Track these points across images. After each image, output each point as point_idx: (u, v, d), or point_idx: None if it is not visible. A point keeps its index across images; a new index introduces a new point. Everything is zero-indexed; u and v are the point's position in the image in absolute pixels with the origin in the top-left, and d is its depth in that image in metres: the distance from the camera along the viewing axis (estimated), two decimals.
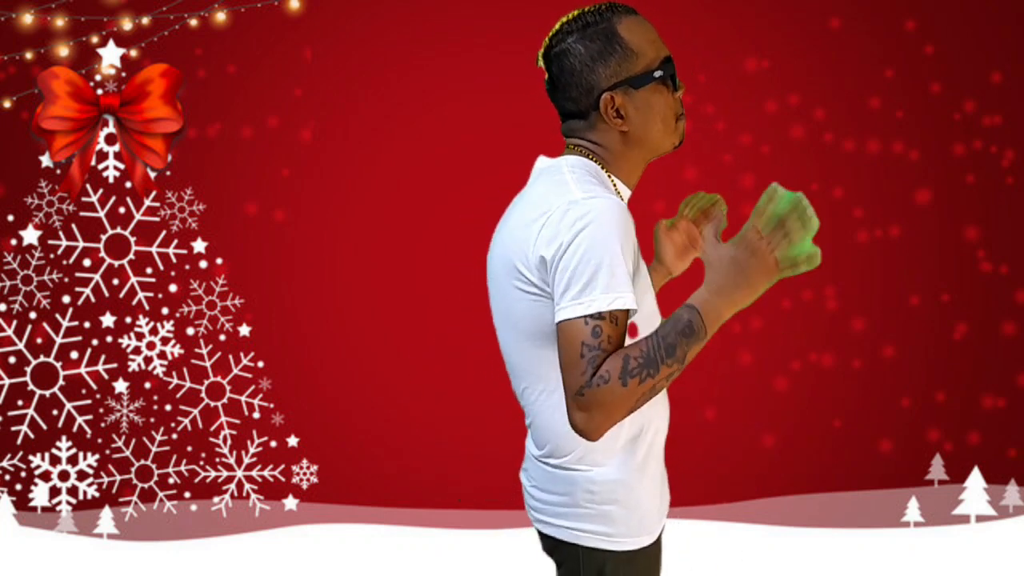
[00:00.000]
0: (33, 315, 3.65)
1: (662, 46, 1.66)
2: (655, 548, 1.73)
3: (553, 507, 1.70)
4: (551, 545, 1.73)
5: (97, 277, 3.67)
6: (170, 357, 3.70)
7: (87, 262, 3.66)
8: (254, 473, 3.74)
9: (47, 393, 3.67)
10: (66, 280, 3.66)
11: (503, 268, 1.65)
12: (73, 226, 3.65)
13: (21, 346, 3.65)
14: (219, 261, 3.70)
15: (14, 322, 3.65)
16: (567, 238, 1.52)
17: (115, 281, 3.67)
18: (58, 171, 3.61)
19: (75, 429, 3.68)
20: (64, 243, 3.65)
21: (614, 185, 1.66)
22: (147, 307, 3.69)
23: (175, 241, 3.68)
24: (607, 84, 1.62)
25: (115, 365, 3.69)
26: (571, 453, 1.65)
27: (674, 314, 1.52)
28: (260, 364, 3.73)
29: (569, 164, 1.64)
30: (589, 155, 1.67)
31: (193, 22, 3.59)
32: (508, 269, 1.63)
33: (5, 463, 3.66)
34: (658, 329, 1.51)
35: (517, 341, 1.66)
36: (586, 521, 1.66)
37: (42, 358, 3.67)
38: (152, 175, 3.62)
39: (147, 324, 3.69)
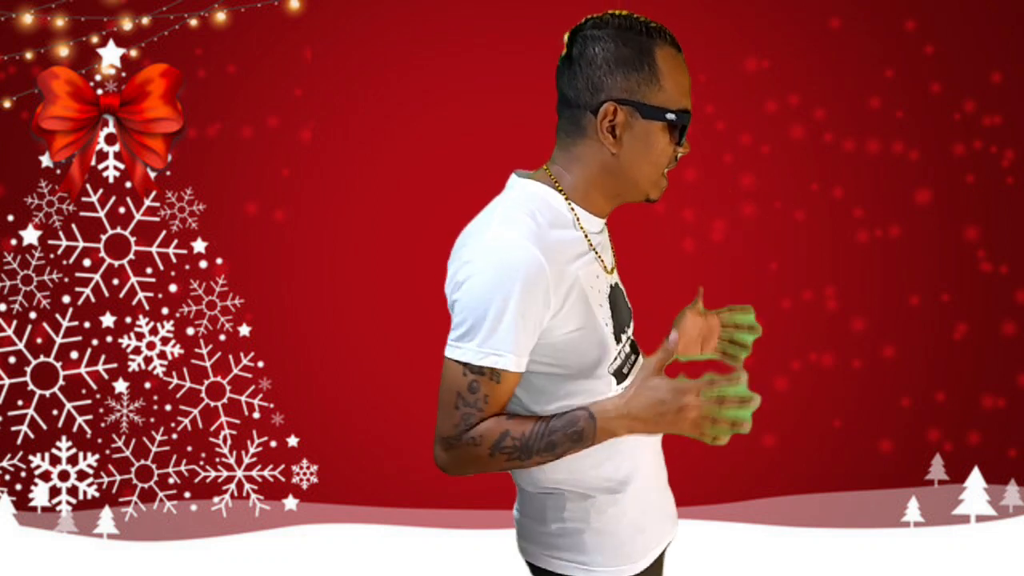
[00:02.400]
0: (33, 315, 3.65)
1: (687, 97, 1.54)
2: None
3: (528, 531, 1.67)
4: (533, 571, 1.71)
5: (97, 277, 3.67)
6: (170, 357, 3.70)
7: (87, 262, 3.66)
8: (254, 473, 3.74)
9: (47, 393, 3.67)
10: (66, 280, 3.66)
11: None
12: (73, 226, 3.65)
13: (21, 346, 3.65)
14: (219, 261, 3.70)
15: (14, 322, 3.65)
16: (463, 276, 1.48)
17: (115, 281, 3.67)
18: (58, 171, 3.61)
19: (75, 429, 3.68)
20: (64, 243, 3.65)
21: (576, 218, 1.55)
22: (147, 307, 3.69)
23: (175, 241, 3.68)
24: (617, 94, 1.49)
25: (115, 365, 3.69)
26: (545, 480, 1.61)
27: (573, 413, 1.48)
28: (260, 364, 3.73)
29: (516, 194, 1.56)
30: (556, 181, 1.56)
31: (193, 22, 3.59)
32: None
33: (5, 463, 3.66)
34: (550, 420, 1.47)
35: None
36: (560, 549, 1.62)
37: (42, 358, 3.67)
38: (152, 175, 3.62)
39: (147, 324, 3.69)
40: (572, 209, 1.55)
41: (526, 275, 1.43)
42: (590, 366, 1.54)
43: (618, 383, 1.60)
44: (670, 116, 1.50)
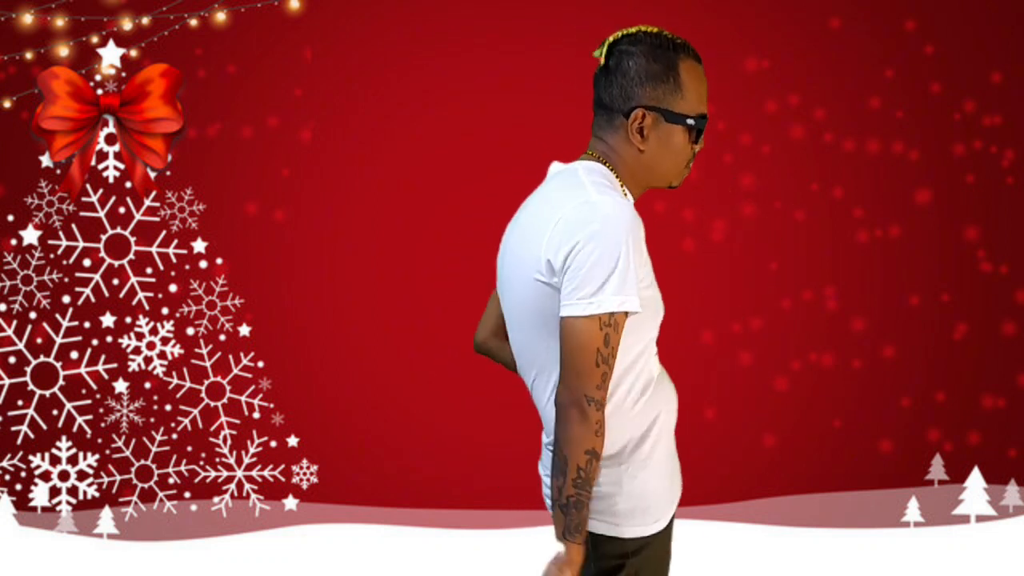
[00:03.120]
0: (33, 315, 3.65)
1: (705, 104, 1.78)
2: (665, 535, 1.76)
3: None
4: None
5: (97, 277, 3.67)
6: (170, 357, 3.70)
7: (87, 262, 3.66)
8: (254, 473, 3.74)
9: (47, 393, 3.67)
10: (66, 280, 3.66)
11: (518, 264, 1.72)
12: (73, 226, 3.65)
13: (21, 346, 3.65)
14: (219, 261, 3.70)
15: (14, 322, 3.65)
16: (583, 236, 1.60)
17: (115, 281, 3.67)
18: (58, 171, 3.61)
19: (75, 429, 3.68)
20: (64, 243, 3.65)
21: (624, 192, 1.74)
22: (147, 307, 3.69)
23: (175, 241, 3.68)
24: (646, 102, 1.72)
25: (115, 365, 3.69)
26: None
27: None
28: (260, 364, 3.72)
29: (585, 168, 1.73)
30: (605, 162, 1.76)
31: (193, 22, 3.59)
32: (523, 265, 1.70)
33: (5, 463, 3.66)
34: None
35: (532, 332, 1.72)
36: (592, 511, 1.69)
37: (42, 358, 3.67)
38: (152, 175, 3.62)
39: (147, 324, 3.69)
40: (623, 186, 1.76)
41: (636, 227, 1.63)
42: (652, 325, 1.72)
43: (654, 351, 1.77)
44: (690, 121, 1.75)
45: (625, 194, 1.74)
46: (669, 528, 1.78)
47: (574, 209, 1.63)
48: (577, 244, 1.60)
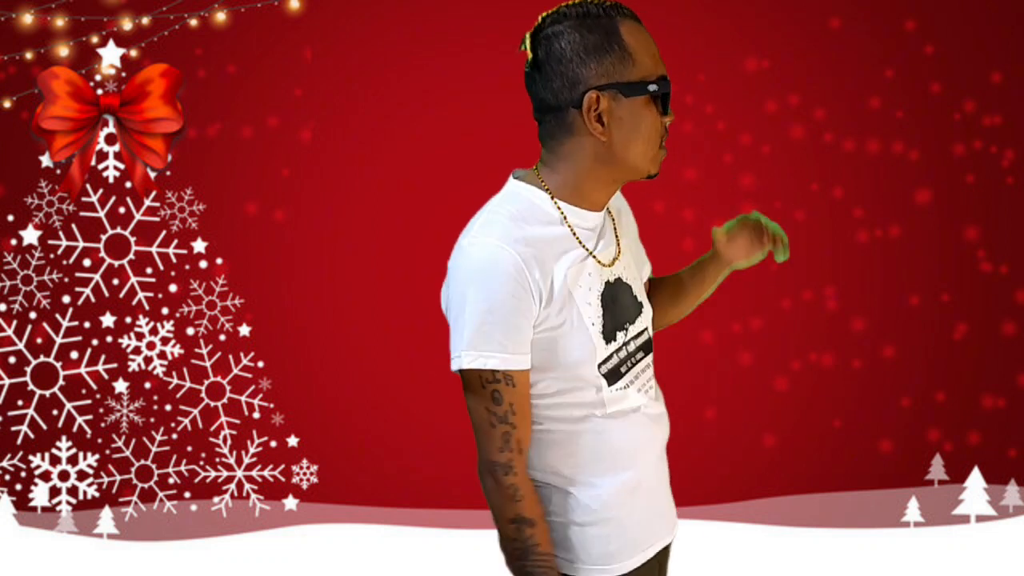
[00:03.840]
0: (33, 315, 3.65)
1: (661, 64, 1.53)
2: None
3: None
4: None
5: (97, 277, 3.67)
6: (170, 357, 3.70)
7: (87, 262, 3.66)
8: (254, 473, 3.74)
9: (47, 393, 3.67)
10: (66, 280, 3.66)
11: None
12: (73, 226, 3.65)
13: (21, 346, 3.65)
14: (219, 261, 3.70)
15: (14, 322, 3.65)
16: (448, 286, 1.53)
17: (115, 281, 3.67)
18: (58, 171, 3.61)
19: (75, 429, 3.68)
20: (64, 243, 3.65)
21: (563, 217, 1.55)
22: (147, 307, 3.69)
23: (175, 241, 3.68)
24: (596, 82, 1.48)
25: (115, 365, 3.69)
26: (530, 469, 1.60)
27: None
28: (260, 364, 3.73)
29: (500, 197, 1.59)
30: (542, 183, 1.57)
31: (193, 22, 3.59)
32: None
33: (5, 463, 3.66)
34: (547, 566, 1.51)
35: None
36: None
37: (42, 358, 3.67)
38: (152, 175, 3.62)
39: (147, 324, 3.69)
40: (558, 207, 1.56)
41: (507, 276, 1.46)
42: (574, 365, 1.54)
43: (610, 384, 1.59)
44: (652, 87, 1.50)
45: (565, 217, 1.55)
46: (639, 574, 1.65)
47: (454, 256, 1.54)
48: (445, 294, 1.54)
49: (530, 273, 1.48)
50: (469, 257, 1.49)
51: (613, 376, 1.59)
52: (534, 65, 1.54)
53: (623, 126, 1.51)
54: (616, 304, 1.61)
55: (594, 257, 1.58)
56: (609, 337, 1.59)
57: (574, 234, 1.57)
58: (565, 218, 1.56)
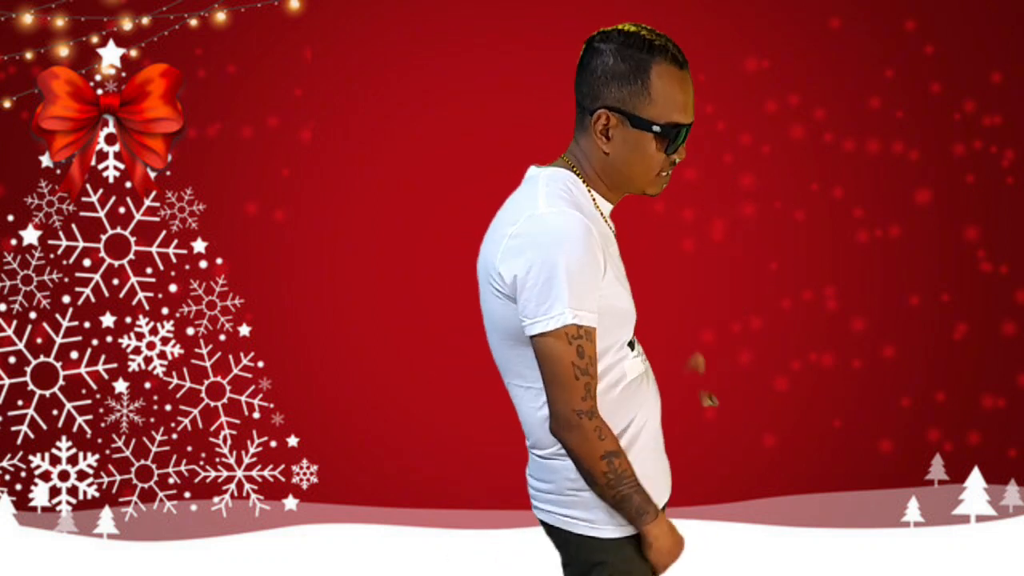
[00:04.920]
0: (33, 315, 3.65)
1: (683, 112, 1.67)
2: None
3: (544, 494, 1.77)
4: (548, 530, 1.81)
5: (97, 277, 3.67)
6: (170, 357, 3.70)
7: (87, 262, 3.66)
8: (254, 473, 3.74)
9: (47, 393, 3.67)
10: (66, 280, 3.66)
11: (483, 272, 1.73)
12: (73, 226, 3.65)
13: (21, 346, 3.65)
14: (219, 261, 3.70)
15: (14, 322, 3.65)
16: (529, 253, 1.60)
17: (115, 281, 3.67)
18: (58, 171, 3.61)
19: (75, 429, 3.68)
20: (64, 243, 3.65)
21: (593, 200, 1.71)
22: (147, 307, 3.69)
23: (175, 241, 3.68)
24: (611, 103, 1.65)
25: (115, 365, 3.69)
26: (553, 445, 1.70)
27: (651, 499, 1.68)
28: (260, 364, 3.73)
29: (548, 176, 1.70)
30: (575, 167, 1.72)
31: (193, 22, 3.59)
32: (486, 273, 1.71)
33: (5, 463, 3.66)
34: (638, 483, 1.66)
35: (497, 340, 1.74)
36: (572, 508, 1.72)
37: (42, 358, 3.67)
38: (152, 175, 3.62)
39: (147, 324, 3.69)
40: (590, 191, 1.72)
41: (587, 239, 1.59)
42: (617, 328, 1.68)
43: (631, 352, 1.73)
44: (655, 128, 1.66)
45: (595, 200, 1.71)
46: None
47: (524, 223, 1.62)
48: (525, 261, 1.60)
49: (596, 238, 1.62)
50: (549, 222, 1.60)
51: (631, 346, 1.74)
52: (579, 66, 1.71)
53: (625, 147, 1.68)
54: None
55: (616, 242, 1.76)
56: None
57: (603, 218, 1.73)
58: (595, 202, 1.72)
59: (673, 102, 1.66)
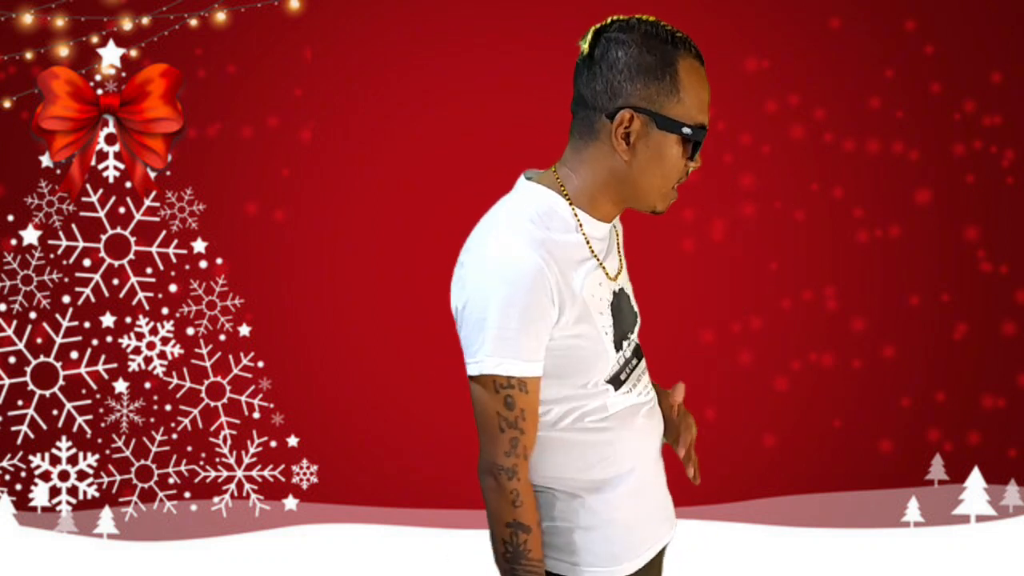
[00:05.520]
0: (33, 315, 3.65)
1: (705, 113, 1.53)
2: None
3: None
4: None
5: (97, 277, 3.67)
6: (170, 357, 3.70)
7: (87, 262, 3.66)
8: (254, 473, 3.74)
9: (47, 393, 3.67)
10: (66, 280, 3.66)
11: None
12: (73, 226, 3.65)
13: (21, 346, 3.65)
14: (219, 261, 3.70)
15: (14, 322, 3.65)
16: (467, 289, 1.49)
17: (115, 281, 3.67)
18: (58, 171, 3.61)
19: (75, 429, 3.68)
20: (64, 243, 3.65)
21: (579, 223, 1.55)
22: (147, 307, 3.69)
23: (175, 241, 3.68)
24: (636, 102, 1.48)
25: (115, 365, 3.69)
26: (533, 473, 1.59)
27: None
28: (260, 364, 3.72)
29: (519, 198, 1.56)
30: (562, 185, 1.55)
31: (193, 22, 3.59)
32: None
33: (5, 463, 3.66)
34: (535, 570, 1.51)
35: None
36: (550, 547, 1.61)
37: (42, 358, 3.67)
38: (152, 175, 3.62)
39: (147, 324, 3.69)
40: (576, 215, 1.55)
41: (531, 281, 1.44)
42: (586, 372, 1.55)
43: (615, 390, 1.60)
44: (686, 131, 1.50)
45: (580, 224, 1.54)
46: (642, 574, 1.66)
47: (472, 254, 1.50)
48: (463, 297, 1.49)
49: (552, 279, 1.47)
50: (492, 259, 1.47)
51: (616, 383, 1.60)
52: (588, 60, 1.51)
53: (647, 153, 1.51)
54: (621, 314, 1.62)
55: (603, 268, 1.59)
56: (617, 346, 1.60)
57: (588, 243, 1.56)
58: (581, 226, 1.56)
59: (700, 101, 1.51)
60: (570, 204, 1.55)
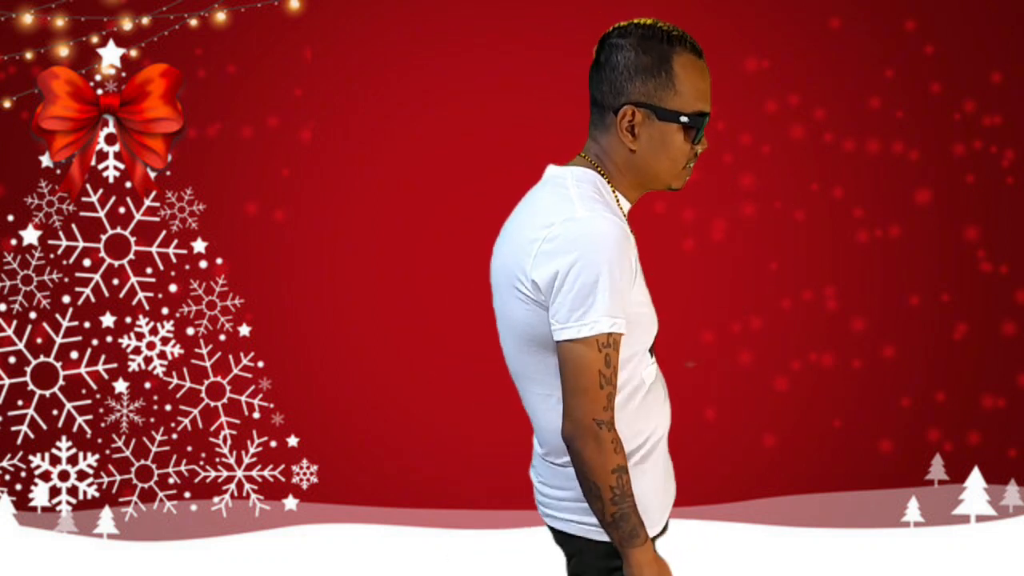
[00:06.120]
0: (33, 315, 3.65)
1: (706, 100, 1.67)
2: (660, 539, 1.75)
3: (560, 502, 1.74)
4: (561, 539, 1.78)
5: (97, 277, 3.67)
6: (170, 357, 3.70)
7: (87, 262, 3.66)
8: (254, 473, 3.74)
9: (47, 393, 3.67)
10: (66, 280, 3.66)
11: (505, 275, 1.68)
12: (73, 226, 3.65)
13: (21, 346, 3.65)
14: (219, 261, 3.70)
15: (14, 322, 3.65)
16: (569, 258, 1.56)
17: (115, 281, 3.67)
18: (58, 171, 3.61)
19: (75, 429, 3.68)
20: (64, 243, 3.65)
21: (616, 200, 1.69)
22: (147, 307, 3.69)
23: (175, 241, 3.68)
24: (636, 98, 1.64)
25: (115, 365, 3.69)
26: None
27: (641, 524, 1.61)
28: (260, 364, 3.72)
29: (575, 176, 1.67)
30: (597, 166, 1.70)
31: (193, 22, 3.59)
32: (509, 276, 1.66)
33: (5, 463, 3.66)
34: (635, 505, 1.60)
35: (517, 346, 1.69)
36: (590, 515, 1.68)
37: (42, 358, 3.67)
38: (152, 175, 3.62)
39: (147, 324, 3.69)
40: (615, 192, 1.70)
41: (626, 245, 1.58)
42: (642, 334, 1.67)
43: (651, 357, 1.73)
44: (683, 119, 1.65)
45: (618, 200, 1.69)
46: (662, 535, 1.76)
47: (560, 226, 1.58)
48: (563, 265, 1.56)
49: (631, 246, 1.60)
50: (591, 228, 1.57)
51: (651, 351, 1.73)
52: (595, 64, 1.69)
53: (652, 142, 1.66)
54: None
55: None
56: None
57: (626, 217, 1.71)
58: (618, 202, 1.70)
59: (697, 91, 1.65)
60: (609, 183, 1.70)
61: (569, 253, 1.56)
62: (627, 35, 1.65)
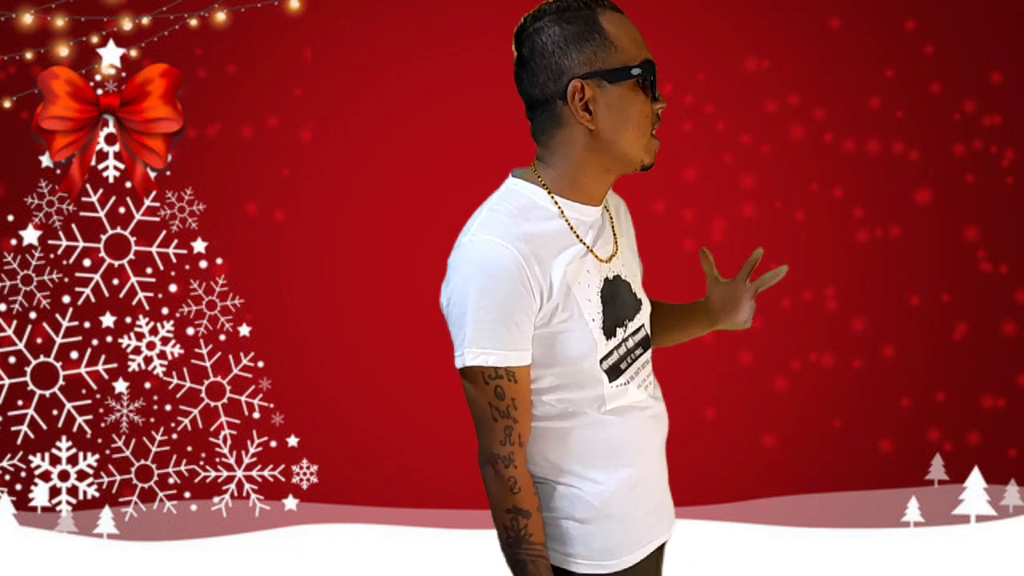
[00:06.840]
0: (33, 315, 3.65)
1: (645, 49, 1.54)
2: None
3: None
4: None
5: (97, 277, 3.67)
6: (170, 357, 3.70)
7: (87, 262, 3.66)
8: (254, 473, 3.74)
9: (47, 393, 3.67)
10: (66, 280, 3.66)
11: None
12: (73, 226, 3.65)
13: (21, 346, 3.65)
14: (219, 261, 3.70)
15: (14, 322, 3.65)
16: (448, 286, 1.54)
17: (115, 281, 3.67)
18: (58, 171, 3.61)
19: (75, 429, 3.68)
20: (64, 243, 3.65)
21: (560, 211, 1.57)
22: (147, 307, 3.69)
23: (175, 241, 3.68)
24: (579, 71, 1.51)
25: (115, 365, 3.69)
26: (530, 464, 1.61)
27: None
28: (260, 364, 3.73)
29: (501, 194, 1.60)
30: (539, 179, 1.58)
31: (193, 22, 3.59)
32: None
33: (5, 463, 3.66)
34: (540, 559, 1.53)
35: None
36: (548, 538, 1.61)
37: (42, 358, 3.67)
38: (152, 175, 3.62)
39: (147, 324, 3.69)
40: (555, 202, 1.57)
41: (506, 273, 1.47)
42: (575, 360, 1.56)
43: (611, 380, 1.60)
44: (635, 71, 1.52)
45: (562, 213, 1.55)
46: (634, 570, 1.66)
47: (455, 250, 1.55)
48: (447, 290, 1.54)
49: (530, 270, 1.49)
50: (470, 255, 1.50)
51: (614, 372, 1.61)
52: (520, 63, 1.59)
53: (611, 112, 1.52)
54: (615, 300, 1.62)
55: (592, 253, 1.59)
56: (609, 333, 1.60)
57: (572, 229, 1.57)
58: (562, 212, 1.57)
59: (635, 42, 1.52)
60: (549, 193, 1.57)
61: (449, 281, 1.54)
62: (541, 16, 1.55)
